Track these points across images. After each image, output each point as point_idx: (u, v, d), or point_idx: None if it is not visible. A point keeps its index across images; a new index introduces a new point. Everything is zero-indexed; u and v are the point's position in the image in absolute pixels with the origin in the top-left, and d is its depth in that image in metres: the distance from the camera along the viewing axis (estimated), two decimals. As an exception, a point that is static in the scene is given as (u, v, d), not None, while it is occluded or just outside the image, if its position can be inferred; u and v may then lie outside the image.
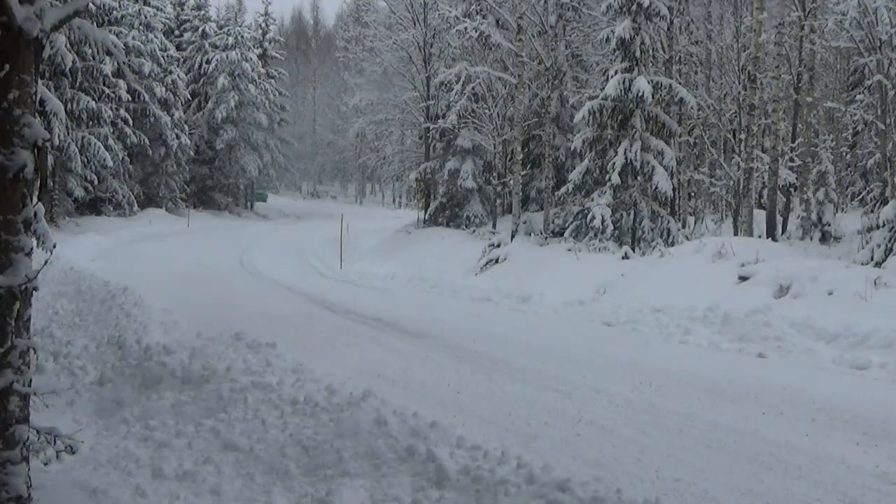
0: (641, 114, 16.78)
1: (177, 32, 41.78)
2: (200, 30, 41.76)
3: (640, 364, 8.19)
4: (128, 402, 6.19)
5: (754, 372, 7.93)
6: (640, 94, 16.16)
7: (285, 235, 31.81)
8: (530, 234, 19.79)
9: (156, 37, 33.45)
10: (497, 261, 17.42)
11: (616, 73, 16.71)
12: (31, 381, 3.79)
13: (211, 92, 40.70)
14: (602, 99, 16.79)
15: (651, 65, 18.28)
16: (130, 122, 29.61)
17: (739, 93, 19.93)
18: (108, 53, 23.93)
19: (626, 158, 16.56)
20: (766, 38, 17.98)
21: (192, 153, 37.82)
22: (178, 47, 40.05)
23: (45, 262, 4.75)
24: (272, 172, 47.35)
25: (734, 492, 4.69)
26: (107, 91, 27.29)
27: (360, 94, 35.85)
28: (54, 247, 6.11)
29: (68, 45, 22.65)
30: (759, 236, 16.85)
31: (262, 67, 44.38)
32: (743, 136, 18.76)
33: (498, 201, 25.82)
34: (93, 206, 29.64)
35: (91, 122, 25.71)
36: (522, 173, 21.32)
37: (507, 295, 13.84)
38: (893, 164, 17.02)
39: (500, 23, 22.73)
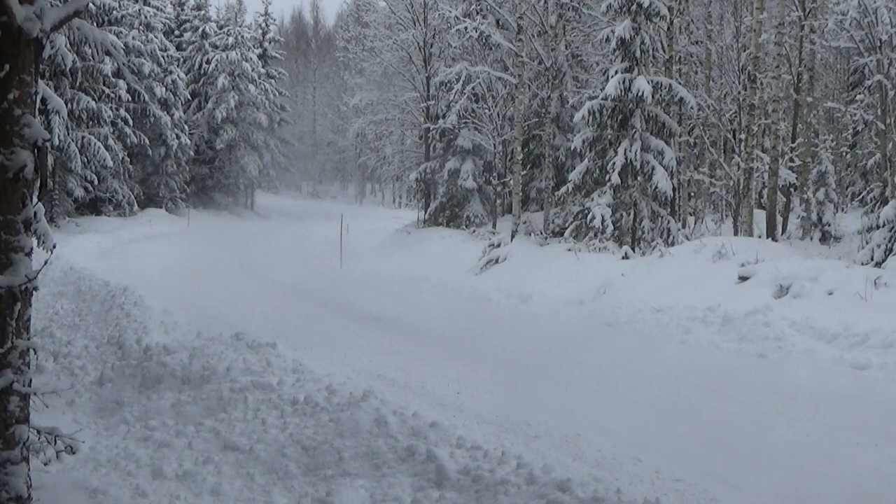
0: (641, 114, 16.78)
1: (177, 32, 41.78)
2: (200, 30, 41.76)
3: (639, 364, 8.19)
4: (128, 402, 6.19)
5: (754, 372, 7.93)
6: (640, 94, 16.16)
7: (285, 235, 31.81)
8: (530, 234, 19.78)
9: (156, 37, 33.45)
10: (497, 261, 17.42)
11: (616, 73, 16.71)
12: (31, 381, 3.79)
13: (211, 92, 40.71)
14: (602, 99, 16.79)
15: (651, 65, 18.28)
16: (130, 122, 29.62)
17: (739, 93, 19.93)
18: (108, 53, 23.92)
19: (626, 158, 16.56)
20: (766, 38, 17.98)
21: (192, 153, 37.82)
22: (178, 47, 40.05)
23: (45, 262, 4.75)
24: (272, 172, 47.37)
25: (734, 492, 4.69)
26: (107, 91, 27.29)
27: (360, 94, 35.86)
28: (54, 247, 6.11)
29: (68, 45, 22.63)
30: (759, 236, 16.84)
31: (262, 67, 44.39)
32: (743, 136, 18.76)
33: (498, 201, 25.84)
34: (93, 206, 29.64)
35: (91, 122, 25.71)
36: (522, 173, 21.33)
37: (507, 295, 13.84)
38: (893, 164, 17.03)
39: (500, 23, 22.74)
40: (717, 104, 21.51)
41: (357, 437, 5.05)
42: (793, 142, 21.78)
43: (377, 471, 4.69)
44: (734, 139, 20.91)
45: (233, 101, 40.03)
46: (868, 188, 21.46)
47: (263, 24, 48.79)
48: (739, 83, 19.96)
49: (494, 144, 24.52)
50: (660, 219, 17.29)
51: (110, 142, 26.80)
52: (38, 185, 3.69)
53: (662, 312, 11.05)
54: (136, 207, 31.85)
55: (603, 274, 13.90)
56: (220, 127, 40.47)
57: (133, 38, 30.90)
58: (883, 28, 16.70)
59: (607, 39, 17.26)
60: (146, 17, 32.83)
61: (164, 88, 33.83)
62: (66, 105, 23.48)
